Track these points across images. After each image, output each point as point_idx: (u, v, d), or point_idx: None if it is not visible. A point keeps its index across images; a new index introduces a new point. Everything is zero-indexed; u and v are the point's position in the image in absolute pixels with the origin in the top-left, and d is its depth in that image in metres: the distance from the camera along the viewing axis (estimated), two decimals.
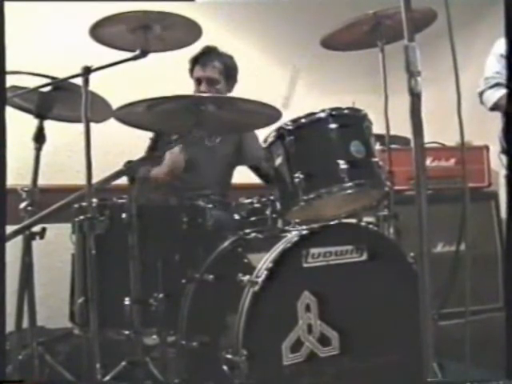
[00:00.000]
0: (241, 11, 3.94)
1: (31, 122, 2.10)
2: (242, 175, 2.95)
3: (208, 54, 2.66)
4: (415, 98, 1.17)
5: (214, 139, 2.74)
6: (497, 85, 2.83)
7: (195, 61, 2.68)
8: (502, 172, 3.05)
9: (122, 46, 1.93)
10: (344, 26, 2.23)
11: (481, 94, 2.90)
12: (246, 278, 1.71)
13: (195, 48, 2.65)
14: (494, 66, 2.86)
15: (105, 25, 1.82)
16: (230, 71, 2.69)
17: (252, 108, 1.87)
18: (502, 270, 3.21)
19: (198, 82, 2.66)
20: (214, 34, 3.22)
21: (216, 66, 2.64)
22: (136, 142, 2.67)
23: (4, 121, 1.28)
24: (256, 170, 2.86)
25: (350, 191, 1.74)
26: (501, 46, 2.80)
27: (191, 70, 2.71)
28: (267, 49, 4.09)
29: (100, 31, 1.84)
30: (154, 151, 2.64)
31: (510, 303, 1.48)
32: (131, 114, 1.83)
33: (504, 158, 2.85)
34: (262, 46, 4.08)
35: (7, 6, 1.27)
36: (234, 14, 3.94)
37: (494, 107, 2.84)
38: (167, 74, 3.17)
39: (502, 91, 2.80)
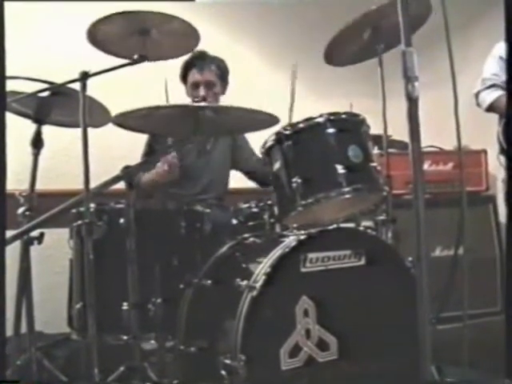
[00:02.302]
0: (239, 12, 3.95)
1: (29, 127, 2.10)
2: (241, 179, 2.95)
3: (203, 58, 2.66)
4: (412, 103, 1.17)
5: (207, 144, 2.74)
6: (493, 86, 2.84)
7: (190, 65, 2.67)
8: (501, 172, 3.04)
9: (119, 52, 1.93)
10: (343, 33, 2.20)
11: (477, 94, 2.89)
12: (244, 282, 1.70)
13: None
14: (492, 67, 2.86)
15: (102, 25, 1.81)
16: (224, 74, 2.72)
17: (249, 115, 1.87)
18: (501, 274, 3.22)
19: (195, 85, 2.65)
20: (213, 35, 3.24)
21: (213, 70, 2.66)
22: (134, 147, 2.68)
23: (4, 126, 1.27)
24: (253, 174, 2.86)
25: (347, 196, 1.73)
26: (500, 48, 2.81)
27: (184, 75, 2.70)
28: (265, 51, 4.10)
29: (97, 32, 1.84)
30: (150, 156, 2.64)
31: (509, 307, 1.49)
32: (129, 120, 1.84)
33: (503, 159, 2.85)
34: (261, 48, 4.09)
35: (7, 7, 1.27)
36: (232, 16, 3.95)
37: (490, 108, 2.84)
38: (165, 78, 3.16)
39: (499, 92, 2.80)
